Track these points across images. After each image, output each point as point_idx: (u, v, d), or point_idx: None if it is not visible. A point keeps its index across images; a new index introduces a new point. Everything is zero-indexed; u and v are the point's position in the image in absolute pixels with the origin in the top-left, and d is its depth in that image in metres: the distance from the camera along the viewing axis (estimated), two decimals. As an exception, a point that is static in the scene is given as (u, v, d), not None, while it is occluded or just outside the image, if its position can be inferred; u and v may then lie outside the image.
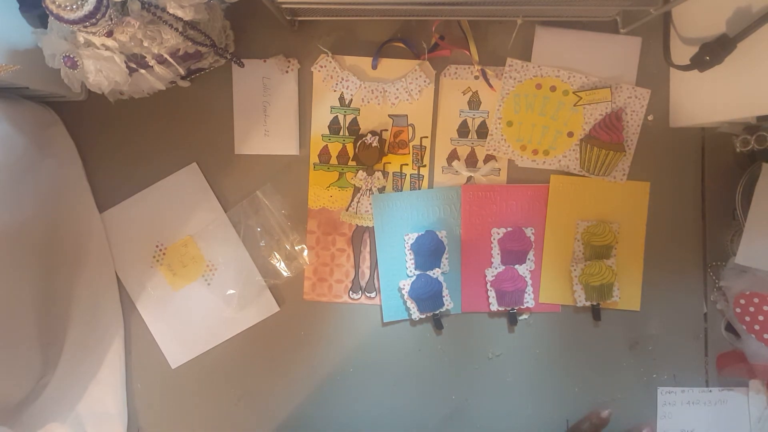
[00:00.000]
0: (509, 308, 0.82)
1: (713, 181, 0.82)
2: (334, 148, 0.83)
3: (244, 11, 0.78)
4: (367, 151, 0.80)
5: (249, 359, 0.83)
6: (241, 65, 0.76)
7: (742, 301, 0.76)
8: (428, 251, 0.81)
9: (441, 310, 0.81)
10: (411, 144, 0.82)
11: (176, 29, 0.63)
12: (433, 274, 0.81)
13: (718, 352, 0.82)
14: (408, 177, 0.83)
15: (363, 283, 0.83)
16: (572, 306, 0.82)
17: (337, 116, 0.82)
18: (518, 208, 0.82)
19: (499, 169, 0.82)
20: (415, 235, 0.81)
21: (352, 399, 0.83)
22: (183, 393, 0.83)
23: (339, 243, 0.83)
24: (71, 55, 0.62)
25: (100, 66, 0.63)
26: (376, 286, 0.83)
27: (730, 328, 0.81)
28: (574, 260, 0.82)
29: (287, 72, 0.81)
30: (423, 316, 0.81)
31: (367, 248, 0.83)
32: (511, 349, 0.83)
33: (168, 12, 0.61)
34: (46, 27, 0.65)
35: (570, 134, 0.80)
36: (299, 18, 0.78)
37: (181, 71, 0.71)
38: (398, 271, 0.82)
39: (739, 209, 0.76)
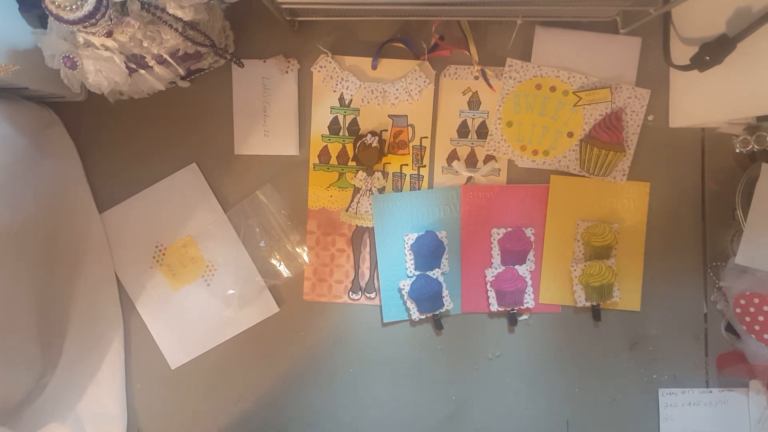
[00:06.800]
0: (509, 308, 0.82)
1: (713, 181, 0.82)
2: (334, 149, 0.83)
3: (244, 11, 0.78)
4: (367, 151, 0.80)
5: (249, 360, 0.83)
6: (241, 65, 0.76)
7: (743, 302, 0.76)
8: (428, 251, 0.81)
9: (441, 310, 0.81)
10: (411, 144, 0.82)
11: (176, 29, 0.63)
12: (433, 274, 0.81)
13: (718, 352, 0.82)
14: (408, 177, 0.83)
15: (363, 284, 0.83)
16: (572, 306, 0.82)
17: (336, 116, 0.82)
18: (518, 208, 0.82)
19: (499, 170, 0.82)
20: (415, 235, 0.81)
21: (352, 399, 0.83)
22: (183, 393, 0.83)
23: (339, 243, 0.83)
24: (71, 56, 0.62)
25: (100, 66, 0.63)
26: (376, 286, 0.83)
27: (730, 328, 0.81)
28: (574, 260, 0.82)
29: (287, 72, 0.81)
30: (423, 317, 0.81)
31: (367, 249, 0.83)
32: (511, 349, 0.83)
33: (168, 12, 0.61)
34: (45, 27, 0.65)
35: (570, 134, 0.80)
36: (299, 18, 0.78)
37: (181, 71, 0.71)
38: (398, 272, 0.82)
39: (739, 209, 0.76)
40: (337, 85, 0.81)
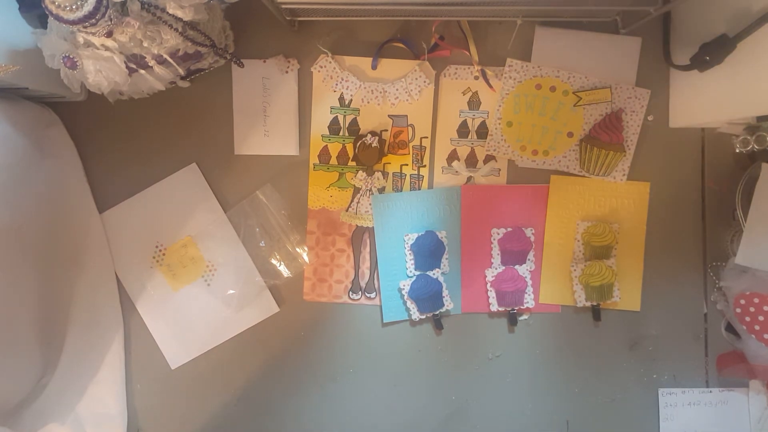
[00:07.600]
0: (509, 308, 0.82)
1: (713, 181, 0.82)
2: (334, 149, 0.83)
3: (244, 11, 0.78)
4: (366, 151, 0.80)
5: (249, 360, 0.83)
6: (241, 65, 0.76)
7: (743, 302, 0.76)
8: (428, 251, 0.81)
9: (441, 310, 0.81)
10: (411, 144, 0.82)
11: (176, 29, 0.63)
12: (433, 274, 0.81)
13: (718, 352, 0.82)
14: (408, 177, 0.83)
15: (363, 284, 0.83)
16: (572, 306, 0.82)
17: (336, 116, 0.82)
18: (518, 208, 0.82)
19: (499, 170, 0.82)
20: (415, 235, 0.81)
21: (352, 399, 0.83)
22: (183, 393, 0.83)
23: (339, 243, 0.83)
24: (71, 56, 0.62)
25: (100, 66, 0.63)
26: (376, 286, 0.83)
27: (730, 328, 0.81)
28: (574, 260, 0.82)
29: (287, 72, 0.81)
30: (423, 317, 0.81)
31: (367, 249, 0.83)
32: (511, 349, 0.83)
33: (168, 12, 0.61)
34: (45, 27, 0.65)
35: (570, 134, 0.80)
36: (299, 18, 0.78)
37: (181, 71, 0.71)
38: (398, 272, 0.82)
39: (739, 209, 0.76)
40: (337, 85, 0.81)
